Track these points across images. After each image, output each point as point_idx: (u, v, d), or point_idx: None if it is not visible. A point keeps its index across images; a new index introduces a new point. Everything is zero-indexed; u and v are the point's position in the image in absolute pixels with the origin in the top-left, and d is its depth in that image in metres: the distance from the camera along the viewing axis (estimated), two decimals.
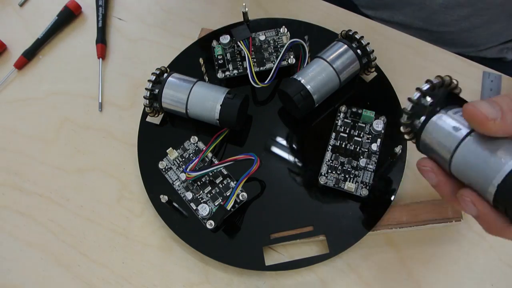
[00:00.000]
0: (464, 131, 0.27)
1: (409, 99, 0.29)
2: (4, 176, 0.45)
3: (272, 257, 0.38)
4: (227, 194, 0.39)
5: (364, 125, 0.40)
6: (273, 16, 0.48)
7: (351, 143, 0.39)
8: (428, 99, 0.29)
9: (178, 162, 0.41)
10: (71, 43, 0.51)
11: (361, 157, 0.39)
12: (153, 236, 0.41)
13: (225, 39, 0.43)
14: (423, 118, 0.29)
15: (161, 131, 0.43)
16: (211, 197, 0.39)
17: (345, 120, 0.40)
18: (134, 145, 0.43)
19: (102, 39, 0.50)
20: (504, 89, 0.43)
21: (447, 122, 0.28)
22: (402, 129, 0.30)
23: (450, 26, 0.48)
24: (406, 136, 0.30)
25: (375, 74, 0.43)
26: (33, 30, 0.51)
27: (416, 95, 0.29)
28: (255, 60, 0.43)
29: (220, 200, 0.39)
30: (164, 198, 0.38)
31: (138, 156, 0.42)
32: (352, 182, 0.38)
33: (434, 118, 0.28)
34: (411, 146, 0.41)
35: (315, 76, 0.39)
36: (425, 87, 0.29)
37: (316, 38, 0.44)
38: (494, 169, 0.24)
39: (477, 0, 0.50)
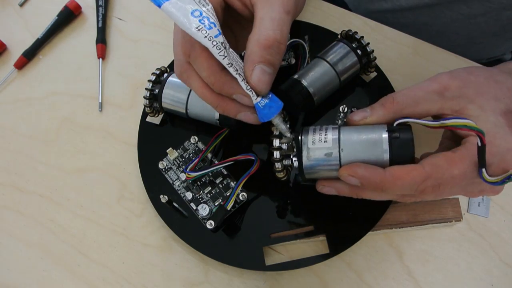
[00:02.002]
0: (334, 150, 0.31)
1: (273, 159, 0.33)
2: (4, 176, 0.45)
3: (272, 257, 0.38)
4: (227, 194, 0.39)
5: None
6: None
7: None
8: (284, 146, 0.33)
9: (178, 162, 0.41)
10: (71, 43, 0.51)
11: None
12: (153, 236, 0.41)
13: None
14: (294, 159, 0.33)
15: (161, 131, 0.43)
16: (211, 197, 0.39)
17: (345, 120, 0.40)
18: (134, 145, 0.43)
19: (102, 39, 0.50)
20: None
21: (317, 152, 0.32)
22: (280, 175, 0.34)
23: (446, 49, 0.49)
24: (280, 176, 0.34)
25: (375, 74, 0.43)
26: (33, 30, 0.51)
27: (276, 154, 0.33)
28: None
29: (220, 200, 0.39)
30: (164, 198, 0.38)
31: (138, 156, 0.42)
32: None
33: (304, 156, 0.32)
34: None
35: (315, 76, 0.39)
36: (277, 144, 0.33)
37: (316, 38, 0.44)
38: (379, 152, 0.30)
39: (472, 30, 0.50)
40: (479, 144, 0.27)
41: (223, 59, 0.28)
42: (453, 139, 0.33)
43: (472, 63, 0.45)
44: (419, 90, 0.31)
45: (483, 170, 0.29)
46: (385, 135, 0.30)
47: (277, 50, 0.30)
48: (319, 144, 0.31)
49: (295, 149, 0.33)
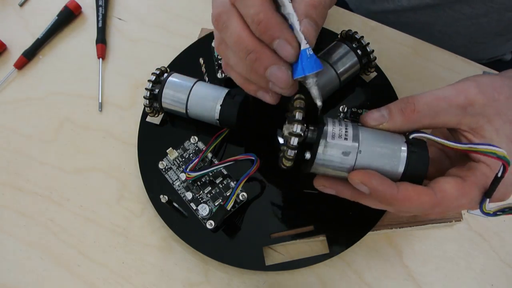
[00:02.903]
0: (353, 151, 0.29)
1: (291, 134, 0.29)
2: (4, 176, 0.45)
3: (272, 257, 0.38)
4: (227, 194, 0.39)
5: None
6: None
7: None
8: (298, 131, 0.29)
9: (178, 162, 0.41)
10: (71, 43, 0.51)
11: None
12: (153, 236, 0.41)
13: None
14: (307, 152, 0.30)
15: (161, 131, 0.43)
16: (211, 197, 0.39)
17: (345, 120, 0.40)
18: (134, 145, 0.43)
19: (102, 39, 0.50)
20: None
21: (335, 149, 0.29)
22: (288, 163, 0.30)
23: (447, 49, 0.49)
24: (287, 164, 0.30)
25: (375, 74, 0.43)
26: (33, 30, 0.51)
27: (297, 127, 0.29)
28: None
29: (220, 200, 0.39)
30: (164, 198, 0.38)
31: (138, 156, 0.42)
32: None
33: (319, 150, 0.29)
34: None
35: None
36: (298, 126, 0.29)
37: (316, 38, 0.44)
38: (395, 163, 0.29)
39: (475, 31, 0.50)
40: (499, 174, 0.27)
41: None
42: (451, 154, 0.33)
43: (473, 63, 0.45)
44: (443, 102, 0.29)
45: (487, 200, 0.29)
46: (404, 148, 0.29)
47: (321, 12, 0.30)
48: (339, 140, 0.29)
49: (305, 139, 0.30)
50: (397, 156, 0.29)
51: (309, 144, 0.30)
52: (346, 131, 0.29)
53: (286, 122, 0.30)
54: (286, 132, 0.30)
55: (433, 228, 0.38)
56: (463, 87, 0.30)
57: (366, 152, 0.29)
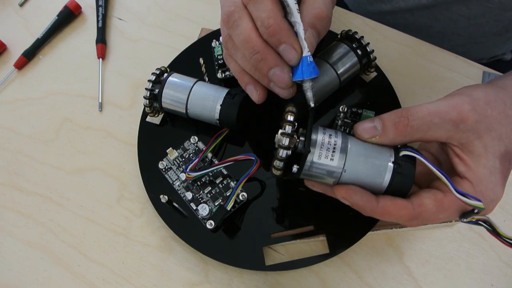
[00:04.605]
0: (337, 170, 0.30)
1: (280, 146, 0.30)
2: (4, 176, 0.45)
3: (272, 257, 0.38)
4: (227, 194, 0.39)
5: None
6: None
7: None
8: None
9: (178, 162, 0.41)
10: (71, 43, 0.51)
11: None
12: (153, 236, 0.41)
13: None
14: (294, 166, 0.31)
15: (161, 131, 0.43)
16: (211, 197, 0.39)
17: (345, 120, 0.40)
18: (134, 145, 0.43)
19: (102, 39, 0.50)
20: None
21: (320, 168, 0.30)
22: (276, 172, 0.31)
23: (446, 50, 0.49)
24: (276, 173, 0.31)
25: (375, 74, 0.43)
26: (33, 30, 0.51)
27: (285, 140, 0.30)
28: None
29: (220, 200, 0.39)
30: (164, 198, 0.38)
31: (138, 156, 0.42)
32: None
33: (306, 166, 0.30)
34: None
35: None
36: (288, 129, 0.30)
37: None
38: (379, 181, 0.30)
39: (473, 31, 0.50)
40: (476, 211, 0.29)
41: (295, 3, 0.30)
42: (442, 161, 0.34)
43: (473, 63, 0.45)
44: (436, 117, 0.30)
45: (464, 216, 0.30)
46: (390, 167, 0.30)
47: (325, 24, 0.32)
48: (325, 161, 0.30)
49: (296, 149, 0.31)
50: (381, 173, 0.30)
51: (299, 153, 0.31)
52: (333, 152, 0.30)
53: (279, 132, 0.31)
54: (276, 144, 0.31)
55: (433, 228, 0.38)
56: (457, 103, 0.30)
57: (350, 171, 0.30)
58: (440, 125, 0.30)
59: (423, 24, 0.52)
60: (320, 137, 0.31)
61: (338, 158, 0.30)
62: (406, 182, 0.30)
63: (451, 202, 0.30)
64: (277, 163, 0.30)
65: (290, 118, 0.30)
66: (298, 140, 0.31)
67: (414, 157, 0.30)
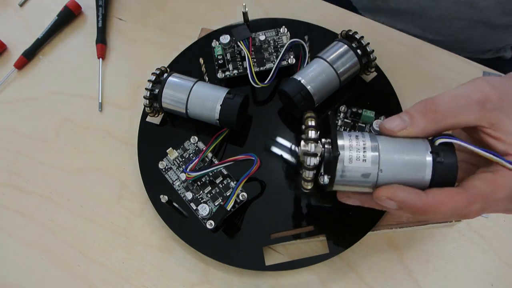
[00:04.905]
0: (373, 171, 0.28)
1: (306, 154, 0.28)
2: (4, 176, 0.45)
3: (272, 257, 0.38)
4: (227, 194, 0.39)
5: (364, 125, 0.40)
6: (273, 16, 0.48)
7: None
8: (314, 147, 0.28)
9: (178, 162, 0.41)
10: (71, 43, 0.51)
11: None
12: (153, 236, 0.41)
13: (225, 39, 0.43)
14: (325, 176, 0.29)
15: (161, 131, 0.43)
16: (211, 197, 0.39)
17: (345, 120, 0.40)
18: (134, 145, 0.43)
19: (102, 39, 0.50)
20: None
21: (353, 172, 0.28)
22: (307, 185, 0.29)
23: (447, 36, 0.48)
24: (307, 187, 0.29)
25: (375, 74, 0.43)
26: (33, 30, 0.51)
27: (311, 147, 0.28)
28: (255, 60, 0.43)
29: (220, 200, 0.39)
30: (164, 198, 0.38)
31: (138, 156, 0.42)
32: None
33: (337, 174, 0.28)
34: None
35: (315, 76, 0.39)
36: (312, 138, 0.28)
37: (316, 38, 0.44)
38: (420, 175, 0.28)
39: (474, 13, 0.50)
40: None
41: None
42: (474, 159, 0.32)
43: (473, 63, 0.45)
44: (461, 99, 0.28)
45: None
46: (429, 158, 0.28)
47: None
48: (357, 163, 0.28)
49: (323, 159, 0.29)
50: (421, 169, 0.28)
51: (328, 162, 0.29)
52: (364, 152, 0.28)
53: (301, 144, 0.29)
54: (301, 154, 0.29)
55: (433, 228, 0.38)
56: (475, 84, 0.29)
57: (387, 170, 0.28)
58: (467, 106, 0.28)
59: (424, 7, 0.52)
60: (347, 139, 0.28)
61: (371, 158, 0.28)
62: (450, 171, 0.27)
63: (505, 179, 0.27)
64: (306, 173, 0.28)
65: (312, 123, 0.28)
66: (323, 149, 0.29)
67: (452, 143, 0.28)
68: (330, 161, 0.28)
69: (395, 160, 0.28)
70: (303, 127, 0.29)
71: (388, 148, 0.28)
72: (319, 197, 0.39)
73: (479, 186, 0.28)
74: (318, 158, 0.28)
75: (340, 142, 0.28)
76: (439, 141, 0.28)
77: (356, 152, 0.28)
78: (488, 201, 0.28)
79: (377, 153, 0.28)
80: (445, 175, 0.28)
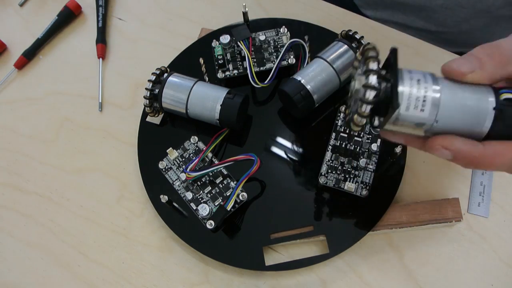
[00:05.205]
0: (428, 122, 0.26)
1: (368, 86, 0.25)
2: (4, 176, 0.45)
3: (272, 257, 0.38)
4: (227, 194, 0.39)
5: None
6: (273, 16, 0.48)
7: (351, 143, 0.39)
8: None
9: (178, 162, 0.41)
10: (71, 43, 0.51)
11: (361, 157, 0.39)
12: (153, 236, 0.41)
13: (225, 39, 0.43)
14: (376, 119, 0.27)
15: (161, 131, 0.43)
16: (211, 197, 0.39)
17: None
18: (134, 145, 0.43)
19: (102, 39, 0.50)
20: None
21: (407, 120, 0.26)
22: (360, 121, 0.26)
23: (450, 27, 0.48)
24: (360, 124, 0.27)
25: None
26: (33, 30, 0.51)
27: (373, 79, 0.25)
28: (255, 60, 0.43)
29: (220, 200, 0.39)
30: (164, 198, 0.38)
31: (138, 156, 0.42)
32: (352, 182, 0.38)
33: (391, 120, 0.26)
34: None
35: (315, 76, 0.39)
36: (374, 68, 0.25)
37: (316, 38, 0.44)
38: (479, 125, 0.26)
39: (476, 2, 0.50)
40: None
41: None
42: None
43: None
44: None
45: None
46: (492, 112, 0.26)
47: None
48: (414, 112, 0.26)
49: (379, 98, 0.26)
50: (480, 124, 0.26)
51: (383, 105, 0.26)
52: (424, 102, 0.26)
53: (356, 82, 0.26)
54: (353, 95, 0.26)
55: (433, 228, 0.38)
56: None
57: (443, 120, 0.26)
58: None
59: None
60: (407, 83, 0.26)
61: (430, 107, 0.26)
62: (508, 127, 0.26)
63: None
64: (357, 119, 0.26)
65: (373, 54, 0.25)
66: (381, 86, 0.26)
67: None
68: (386, 106, 0.26)
69: (455, 110, 0.26)
70: (360, 57, 0.27)
71: (450, 95, 0.26)
72: (319, 197, 0.39)
73: None
74: (377, 92, 0.25)
75: (400, 87, 0.26)
76: (504, 95, 0.26)
77: (415, 101, 0.26)
78: None
79: (437, 102, 0.26)
80: (503, 133, 0.26)
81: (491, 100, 0.26)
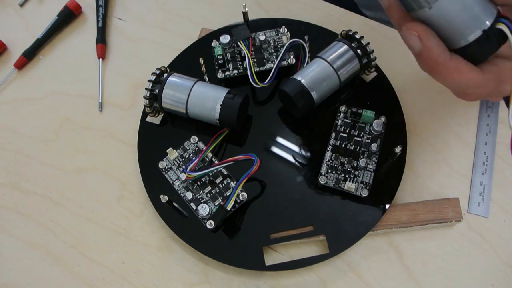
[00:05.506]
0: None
1: None
2: (4, 176, 0.45)
3: (272, 257, 0.38)
4: (227, 194, 0.39)
5: (364, 125, 0.40)
6: (273, 16, 0.48)
7: (351, 143, 0.39)
8: None
9: (178, 162, 0.41)
10: (71, 43, 0.51)
11: (361, 157, 0.39)
12: (153, 236, 0.41)
13: (225, 39, 0.43)
14: None
15: (161, 131, 0.43)
16: (211, 197, 0.39)
17: (345, 120, 0.40)
18: (134, 145, 0.43)
19: (102, 39, 0.50)
20: None
21: None
22: None
23: None
24: None
25: (375, 74, 0.43)
26: (33, 30, 0.51)
27: None
28: (255, 60, 0.43)
29: (220, 200, 0.39)
30: (164, 198, 0.38)
31: (138, 156, 0.42)
32: (352, 182, 0.38)
33: None
34: (411, 146, 0.41)
35: (315, 76, 0.39)
36: None
37: (316, 38, 0.44)
38: (466, 33, 0.26)
39: None
40: None
41: None
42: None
43: None
44: None
45: None
46: (479, 32, 0.25)
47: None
48: None
49: None
50: (465, 35, 0.26)
51: None
52: None
53: None
54: None
55: (433, 228, 0.38)
56: None
57: (437, 12, 0.25)
58: None
59: None
60: None
61: None
62: (491, 46, 0.26)
63: None
64: None
65: None
66: None
67: (507, 38, 0.26)
68: None
69: (453, 7, 0.25)
70: None
71: None
72: (319, 197, 0.39)
73: (506, 65, 0.26)
74: None
75: None
76: (499, 25, 0.26)
77: None
78: (494, 92, 0.27)
79: None
80: (475, 55, 0.26)
81: (487, 23, 0.26)
